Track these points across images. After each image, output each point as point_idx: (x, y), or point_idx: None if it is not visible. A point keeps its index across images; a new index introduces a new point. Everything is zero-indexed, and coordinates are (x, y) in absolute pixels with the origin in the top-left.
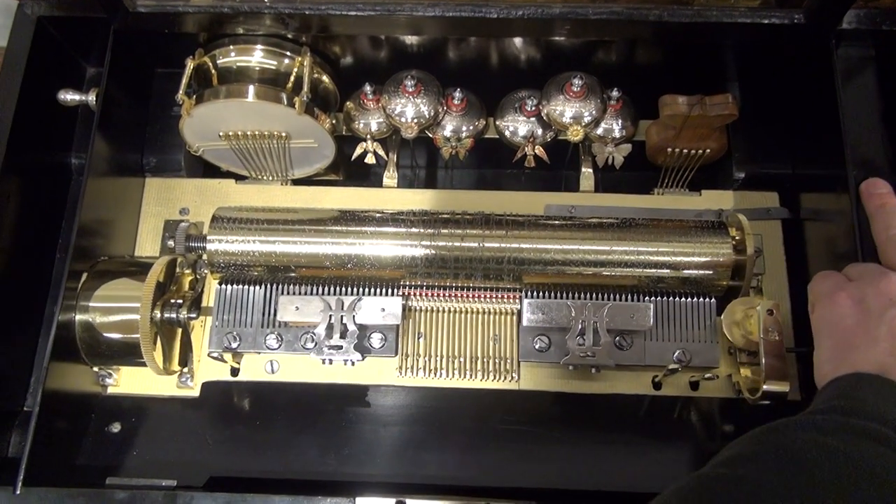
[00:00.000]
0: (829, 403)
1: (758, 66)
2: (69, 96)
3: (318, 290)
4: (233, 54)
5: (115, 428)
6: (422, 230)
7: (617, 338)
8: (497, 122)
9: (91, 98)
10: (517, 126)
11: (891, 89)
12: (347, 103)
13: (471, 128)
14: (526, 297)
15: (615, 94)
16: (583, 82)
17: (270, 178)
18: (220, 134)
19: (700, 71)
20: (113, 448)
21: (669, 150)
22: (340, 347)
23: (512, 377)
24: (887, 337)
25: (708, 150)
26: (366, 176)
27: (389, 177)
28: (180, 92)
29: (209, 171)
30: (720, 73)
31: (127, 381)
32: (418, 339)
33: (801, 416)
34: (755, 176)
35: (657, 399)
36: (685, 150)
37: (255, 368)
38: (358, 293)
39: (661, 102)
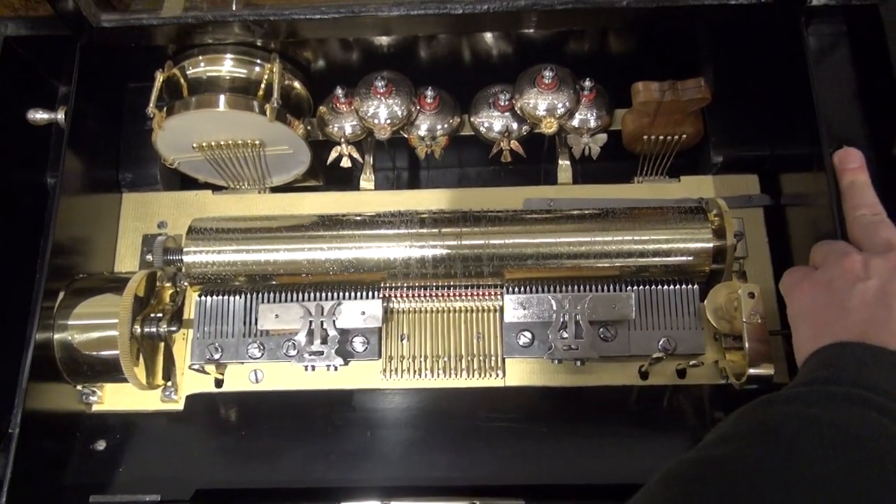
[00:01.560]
0: (810, 375)
1: (729, 48)
2: (39, 115)
3: (298, 296)
4: (202, 65)
5: (101, 445)
6: (400, 231)
7: (601, 329)
8: (472, 119)
9: (60, 116)
10: (492, 122)
11: (864, 64)
12: (320, 108)
13: (445, 126)
14: (507, 292)
15: (588, 84)
16: (554, 74)
17: (248, 186)
18: (194, 145)
19: (672, 57)
20: (98, 466)
21: (645, 137)
22: (322, 353)
23: (497, 374)
24: (860, 306)
25: (684, 136)
26: (347, 180)
27: (366, 179)
28: (151, 105)
29: (187, 183)
30: (692, 57)
31: (111, 398)
32: (402, 340)
33: (784, 390)
34: (733, 159)
35: (645, 389)
36: (661, 137)
37: (240, 379)
38: (339, 298)
39: (634, 90)
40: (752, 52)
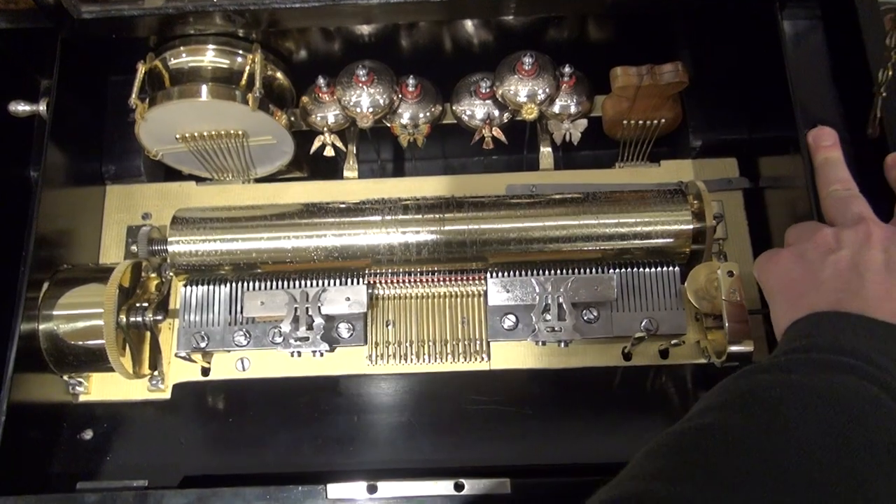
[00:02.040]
0: (789, 346)
1: (706, 34)
2: (21, 107)
3: (283, 284)
4: (184, 55)
5: (88, 435)
6: (384, 217)
7: (584, 311)
8: (454, 107)
9: (42, 108)
10: (474, 109)
11: (838, 48)
12: (303, 98)
13: (427, 114)
14: (491, 276)
15: (567, 70)
16: (533, 60)
17: (233, 178)
18: (177, 136)
19: (650, 43)
20: (85, 455)
21: (625, 122)
22: (307, 339)
23: (482, 357)
24: (833, 276)
25: (663, 120)
26: (332, 172)
27: (350, 168)
28: (133, 96)
29: (171, 175)
30: (670, 43)
31: (98, 388)
32: (387, 326)
33: (764, 360)
34: (712, 143)
35: (628, 370)
36: (640, 122)
37: (226, 367)
38: (324, 285)
39: (612, 74)
40: (728, 37)
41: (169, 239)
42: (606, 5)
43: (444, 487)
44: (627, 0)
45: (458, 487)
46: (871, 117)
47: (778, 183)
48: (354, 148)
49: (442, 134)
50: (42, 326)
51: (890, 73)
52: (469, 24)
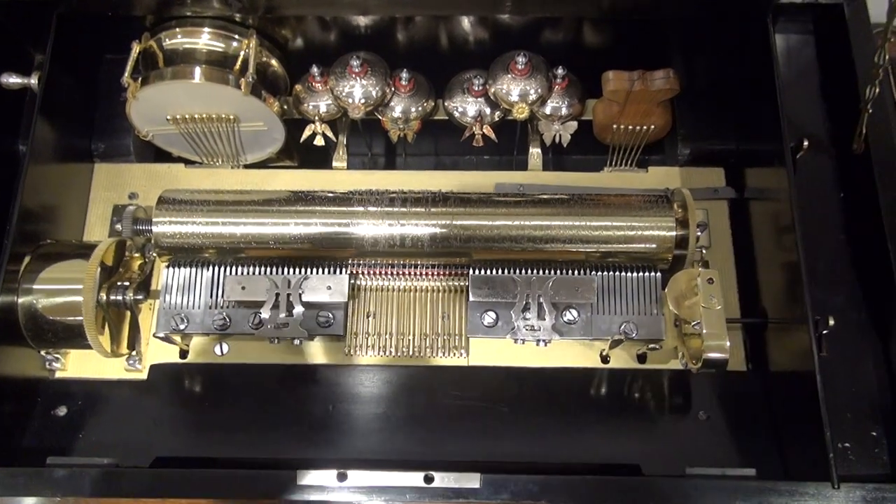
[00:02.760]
0: None
1: (699, 43)
2: (12, 80)
3: (266, 270)
4: (179, 37)
5: (62, 411)
6: (369, 209)
7: (563, 312)
8: (446, 104)
9: (34, 81)
10: (465, 106)
11: (828, 62)
12: (296, 86)
13: (419, 109)
14: (473, 272)
15: (560, 72)
16: (527, 59)
17: (222, 162)
18: (168, 117)
19: (644, 50)
20: (58, 431)
21: (615, 126)
22: (287, 325)
23: (461, 353)
24: None
25: (653, 127)
26: (322, 163)
27: (339, 159)
28: (126, 75)
29: (161, 156)
30: (664, 51)
31: (74, 366)
32: (367, 318)
33: None
34: (700, 152)
35: (606, 372)
36: (630, 127)
37: (205, 350)
38: (306, 272)
39: (604, 78)
40: (721, 48)
41: (154, 219)
42: (601, 8)
43: (414, 479)
44: (621, 3)
45: (428, 479)
46: (857, 133)
47: (762, 195)
48: (345, 139)
49: (433, 131)
50: (21, 300)
51: (877, 90)
52: (465, 22)
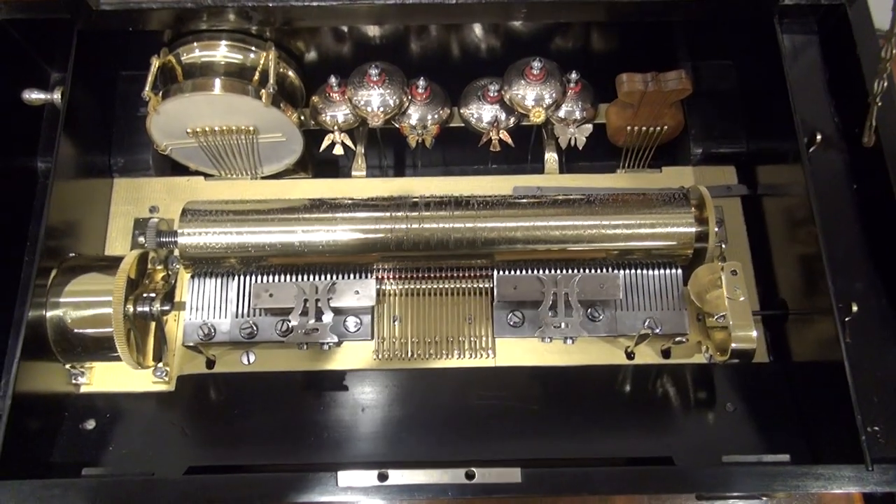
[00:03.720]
0: None
1: (708, 45)
2: (34, 95)
3: (291, 278)
4: (197, 51)
5: (90, 425)
6: (392, 214)
7: (589, 309)
8: (461, 111)
9: (56, 96)
10: (481, 112)
11: (833, 60)
12: (313, 98)
13: (436, 116)
14: (498, 273)
15: (574, 76)
16: (542, 65)
17: (239, 175)
18: (188, 130)
19: (654, 54)
20: (88, 444)
21: (629, 128)
22: (317, 330)
23: (488, 354)
24: None
25: (665, 127)
26: (335, 174)
27: (358, 167)
28: (147, 89)
29: (178, 170)
30: (674, 55)
31: (100, 380)
32: (394, 322)
33: None
34: (712, 151)
35: (631, 368)
36: (644, 128)
37: (231, 360)
38: (332, 279)
39: (618, 81)
40: (729, 50)
41: (179, 230)
42: (611, 12)
43: (456, 476)
44: (631, 7)
45: (469, 476)
46: (867, 126)
47: (776, 191)
48: (363, 147)
49: (448, 141)
50: (49, 314)
51: (885, 83)
52: (478, 31)
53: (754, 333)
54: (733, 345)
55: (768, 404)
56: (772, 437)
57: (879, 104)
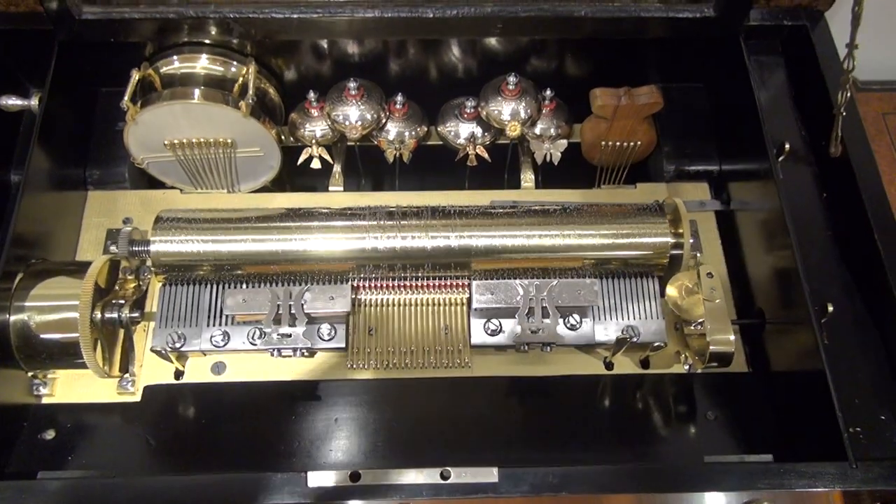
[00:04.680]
0: None
1: (680, 67)
2: (11, 101)
3: (264, 286)
4: (177, 62)
5: (49, 435)
6: (369, 222)
7: (566, 318)
8: (439, 129)
9: (34, 102)
10: (458, 129)
11: (797, 77)
12: (291, 115)
13: (413, 132)
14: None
15: (548, 93)
16: (517, 80)
17: (217, 191)
18: (166, 142)
19: (627, 76)
20: (46, 454)
21: (603, 143)
22: (289, 336)
23: (464, 364)
24: None
25: (639, 143)
26: (313, 192)
27: (335, 183)
28: (126, 98)
29: (154, 186)
30: (645, 78)
31: (63, 390)
32: (369, 333)
33: None
34: (685, 169)
35: (610, 379)
36: (618, 143)
37: (201, 370)
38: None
39: (592, 95)
40: (699, 68)
41: (152, 238)
42: (584, 30)
43: (430, 475)
44: (603, 24)
45: (445, 476)
46: (833, 137)
47: (749, 205)
48: (340, 164)
49: (425, 160)
50: (14, 318)
51: (848, 94)
52: (455, 51)
53: (732, 336)
54: (711, 348)
55: (748, 411)
56: (753, 442)
57: (844, 114)
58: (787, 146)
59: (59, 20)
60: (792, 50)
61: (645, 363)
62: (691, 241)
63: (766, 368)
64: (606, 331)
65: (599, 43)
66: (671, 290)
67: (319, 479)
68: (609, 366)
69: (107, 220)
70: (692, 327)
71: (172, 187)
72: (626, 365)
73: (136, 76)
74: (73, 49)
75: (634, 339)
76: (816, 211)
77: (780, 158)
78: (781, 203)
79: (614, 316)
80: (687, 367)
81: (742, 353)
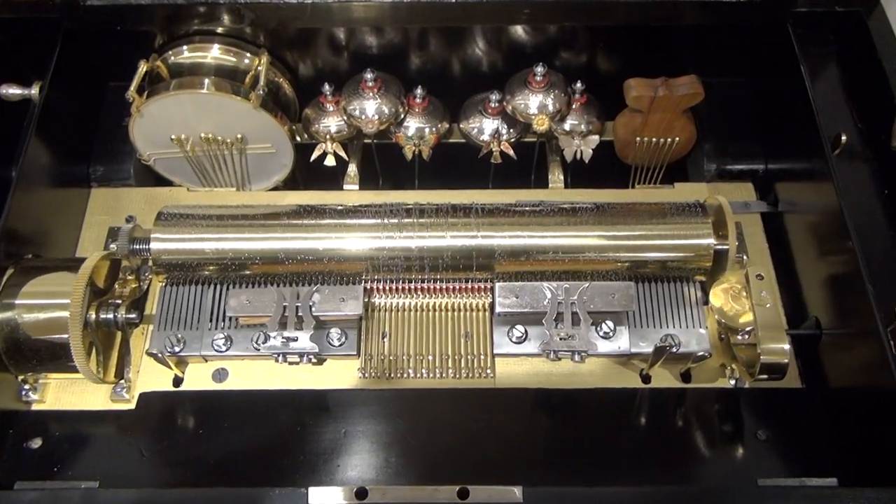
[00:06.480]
0: None
1: (720, 60)
2: (11, 90)
3: (270, 287)
4: (186, 52)
5: (36, 444)
6: (385, 221)
7: (599, 325)
8: (461, 126)
9: (34, 91)
10: (482, 126)
11: (852, 67)
12: (305, 110)
13: (434, 128)
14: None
15: (579, 86)
16: (545, 70)
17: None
18: (172, 137)
19: (661, 66)
20: (31, 463)
21: (638, 140)
22: (296, 340)
23: (486, 374)
24: None
25: (677, 140)
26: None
27: (350, 181)
28: (132, 88)
29: (161, 184)
30: (682, 66)
31: (54, 397)
32: (382, 339)
33: None
34: (727, 168)
35: (648, 392)
36: (653, 140)
37: (201, 377)
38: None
39: (626, 86)
40: (742, 65)
41: (153, 235)
42: (617, 15)
43: (447, 495)
44: (638, 9)
45: (462, 494)
46: (894, 129)
47: (800, 207)
48: (356, 163)
49: (446, 159)
50: (1, 315)
51: None
52: (478, 40)
53: (787, 346)
54: (762, 358)
55: (806, 431)
56: (812, 465)
57: None
58: (844, 138)
59: (64, 7)
60: (845, 37)
61: (686, 376)
62: (736, 243)
63: (822, 383)
64: (643, 340)
65: (632, 31)
66: (715, 296)
67: (322, 495)
68: (646, 378)
69: (109, 218)
70: (739, 336)
71: (179, 185)
72: (664, 378)
73: (143, 66)
74: (80, 38)
75: (674, 350)
76: (877, 210)
77: (836, 153)
78: (840, 202)
79: (652, 323)
80: (733, 381)
81: (794, 367)
